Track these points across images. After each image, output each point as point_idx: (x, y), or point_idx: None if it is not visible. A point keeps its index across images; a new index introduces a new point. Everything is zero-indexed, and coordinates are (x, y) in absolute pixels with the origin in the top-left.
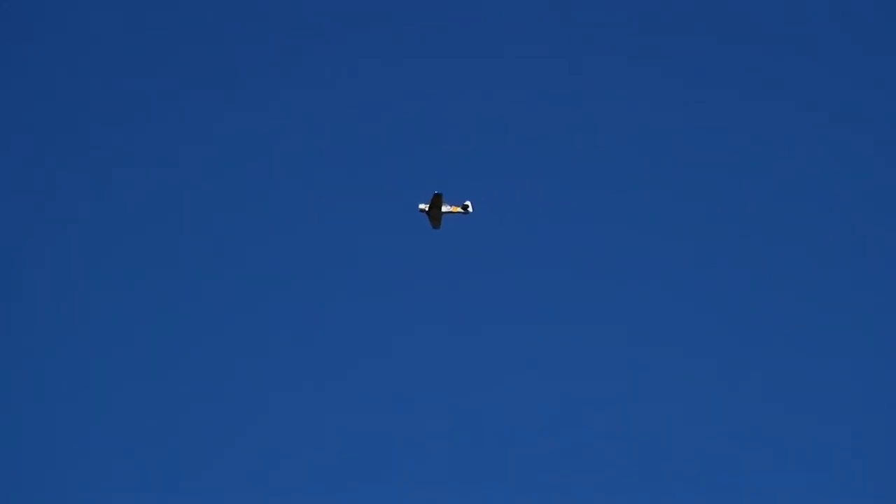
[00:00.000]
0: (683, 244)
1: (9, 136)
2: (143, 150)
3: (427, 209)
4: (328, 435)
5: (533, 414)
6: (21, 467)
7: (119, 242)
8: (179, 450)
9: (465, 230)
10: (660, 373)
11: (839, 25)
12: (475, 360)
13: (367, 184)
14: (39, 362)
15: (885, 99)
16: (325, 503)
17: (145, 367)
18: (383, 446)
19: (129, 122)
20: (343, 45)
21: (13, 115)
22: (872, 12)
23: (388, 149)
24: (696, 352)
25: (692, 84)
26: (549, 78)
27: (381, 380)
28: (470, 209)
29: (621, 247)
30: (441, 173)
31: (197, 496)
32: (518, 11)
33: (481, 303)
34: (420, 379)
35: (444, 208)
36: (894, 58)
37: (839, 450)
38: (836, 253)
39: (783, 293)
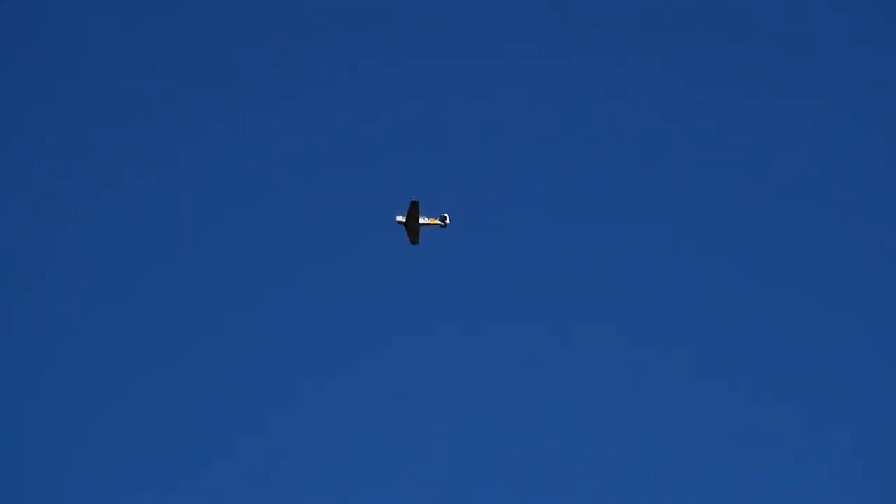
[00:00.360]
0: (683, 244)
1: (9, 136)
2: (143, 150)
3: (404, 220)
4: (327, 435)
5: (531, 414)
6: (21, 467)
7: (119, 242)
8: (180, 450)
9: (465, 230)
10: (659, 373)
11: (839, 25)
12: (474, 361)
13: (367, 184)
14: (39, 362)
15: (886, 98)
16: (325, 503)
17: (144, 366)
18: (382, 446)
19: (129, 122)
20: (343, 45)
21: (13, 115)
22: (873, 11)
23: (388, 149)
24: (695, 351)
25: (692, 84)
26: (550, 78)
27: (380, 380)
28: (447, 221)
29: (621, 246)
30: (441, 173)
31: (197, 496)
32: (518, 11)
33: (481, 303)
34: (419, 379)
35: (422, 220)
36: (895, 57)
37: (839, 450)
38: (836, 253)
39: (783, 293)
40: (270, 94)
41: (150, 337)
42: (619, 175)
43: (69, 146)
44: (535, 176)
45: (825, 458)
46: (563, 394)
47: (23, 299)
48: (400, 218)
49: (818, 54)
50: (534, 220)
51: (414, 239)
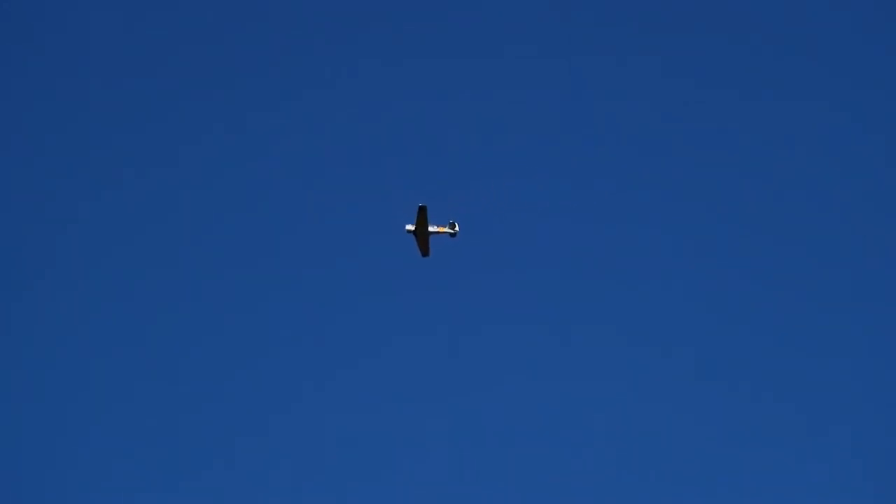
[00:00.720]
0: (683, 244)
1: (9, 136)
2: (143, 150)
3: (414, 229)
4: (327, 435)
5: (531, 414)
6: (21, 468)
7: (119, 242)
8: (180, 450)
9: (466, 230)
10: (659, 373)
11: (839, 25)
12: (473, 361)
13: (366, 184)
14: (39, 362)
15: (886, 98)
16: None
17: (143, 366)
18: (382, 446)
19: (129, 122)
20: (343, 45)
21: (13, 115)
22: (873, 11)
23: (388, 149)
24: (695, 351)
25: (692, 84)
26: (549, 78)
27: (379, 380)
28: (457, 228)
29: (621, 246)
30: (440, 173)
31: (197, 496)
32: (518, 11)
33: (481, 302)
34: (418, 379)
35: (431, 228)
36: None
37: (839, 450)
38: (836, 253)
39: (783, 293)
40: (270, 94)
41: (150, 337)
42: (619, 175)
43: (69, 146)
44: (535, 176)
45: (825, 458)
46: (563, 394)
47: (23, 299)
48: (409, 227)
49: (818, 54)
50: (534, 220)
51: (425, 250)
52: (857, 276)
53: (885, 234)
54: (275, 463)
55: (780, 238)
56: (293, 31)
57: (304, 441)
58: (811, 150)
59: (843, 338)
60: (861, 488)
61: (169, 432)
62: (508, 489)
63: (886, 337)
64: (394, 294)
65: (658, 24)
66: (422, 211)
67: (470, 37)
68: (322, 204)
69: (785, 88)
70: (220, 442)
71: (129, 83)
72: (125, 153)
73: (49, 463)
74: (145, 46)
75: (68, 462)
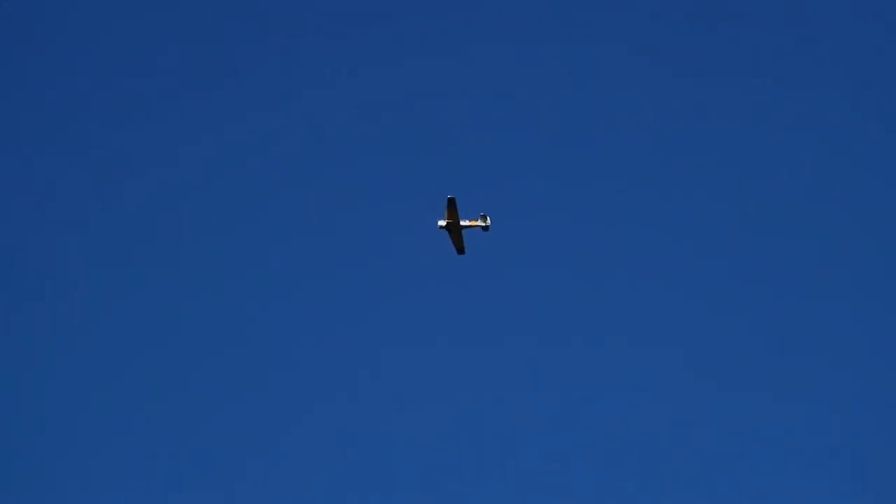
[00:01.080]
0: (683, 244)
1: (9, 136)
2: (143, 150)
3: (446, 224)
4: (327, 439)
5: (531, 415)
6: (22, 471)
7: (119, 243)
8: (181, 453)
9: (465, 230)
10: (658, 373)
11: (841, 24)
12: (472, 361)
13: (366, 184)
14: (38, 364)
15: (887, 99)
16: None
17: (142, 368)
18: (380, 449)
19: (129, 122)
20: (343, 45)
21: (13, 115)
22: (874, 9)
23: (388, 150)
24: (695, 351)
25: (692, 83)
26: (550, 77)
27: (377, 381)
28: (489, 221)
29: (621, 246)
30: (441, 174)
31: (197, 498)
32: (518, 11)
33: (480, 304)
34: (417, 381)
35: (463, 223)
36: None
37: (839, 450)
38: (837, 252)
39: (783, 292)
40: (270, 94)
41: (150, 338)
42: (619, 175)
43: (69, 146)
44: (535, 176)
45: (825, 458)
46: (563, 394)
47: (22, 300)
48: (442, 223)
49: (820, 51)
50: (534, 220)
51: (460, 246)
52: (857, 276)
53: (886, 234)
54: (276, 466)
55: (780, 237)
56: (293, 31)
57: (306, 444)
58: (812, 149)
59: (844, 338)
60: (861, 488)
61: (170, 435)
62: (509, 490)
63: (886, 337)
64: (393, 296)
65: (658, 23)
66: (451, 203)
67: (470, 37)
68: (322, 204)
69: (785, 88)
70: (220, 444)
71: (129, 83)
72: (125, 153)
73: (50, 465)
74: (145, 46)
75: (69, 464)
